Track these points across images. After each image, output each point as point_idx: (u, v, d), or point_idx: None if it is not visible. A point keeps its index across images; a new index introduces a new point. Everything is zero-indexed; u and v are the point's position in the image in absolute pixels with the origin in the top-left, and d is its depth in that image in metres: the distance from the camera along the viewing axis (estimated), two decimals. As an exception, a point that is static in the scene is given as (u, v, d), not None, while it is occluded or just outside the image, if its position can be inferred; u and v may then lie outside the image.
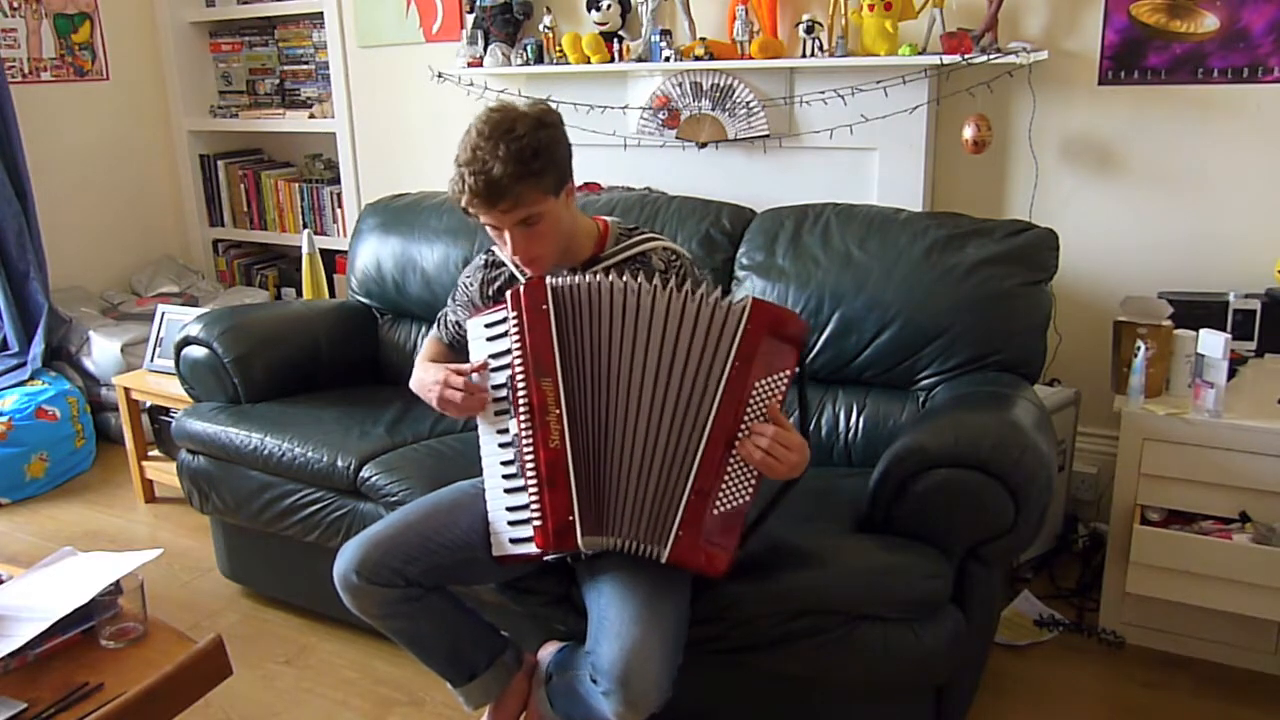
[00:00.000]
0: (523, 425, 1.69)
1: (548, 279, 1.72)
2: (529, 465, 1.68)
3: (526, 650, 1.97)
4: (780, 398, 1.67)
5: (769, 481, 1.70)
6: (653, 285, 1.69)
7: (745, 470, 1.66)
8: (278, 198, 4.27)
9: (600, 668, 1.61)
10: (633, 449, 1.68)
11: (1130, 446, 2.25)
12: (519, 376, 1.70)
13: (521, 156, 1.65)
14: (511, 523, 1.75)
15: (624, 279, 1.70)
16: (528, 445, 1.68)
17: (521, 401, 1.69)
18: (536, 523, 1.68)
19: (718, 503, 1.65)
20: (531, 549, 1.72)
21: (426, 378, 1.86)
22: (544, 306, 1.69)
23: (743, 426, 1.64)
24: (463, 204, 1.71)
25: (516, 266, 1.92)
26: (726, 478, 1.65)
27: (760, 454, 1.63)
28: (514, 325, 1.71)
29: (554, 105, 3.18)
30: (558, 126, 1.73)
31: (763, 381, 1.65)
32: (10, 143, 3.63)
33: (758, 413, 1.65)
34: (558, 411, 1.67)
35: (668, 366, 1.67)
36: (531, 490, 1.68)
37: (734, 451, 1.65)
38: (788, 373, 1.67)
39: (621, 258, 1.86)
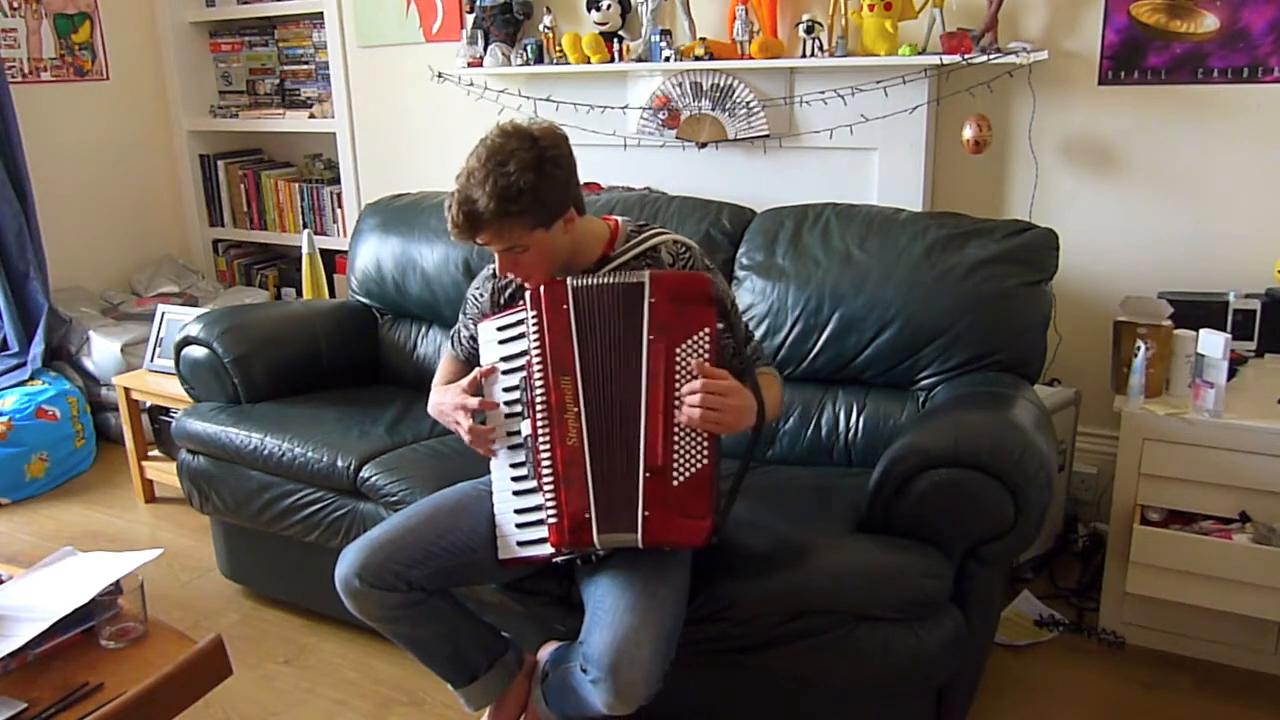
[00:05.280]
0: (539, 424, 1.70)
1: (568, 280, 1.73)
2: (545, 464, 1.69)
3: (527, 651, 1.98)
4: (706, 356, 1.67)
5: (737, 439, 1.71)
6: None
7: (694, 436, 1.67)
8: (278, 198, 4.27)
9: (591, 656, 1.61)
10: (624, 444, 1.68)
11: (1130, 446, 2.25)
12: (537, 376, 1.71)
13: (506, 194, 1.64)
14: (520, 525, 1.76)
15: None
16: (544, 444, 1.69)
17: (539, 401, 1.70)
18: (551, 520, 1.69)
19: (675, 475, 1.66)
20: (540, 550, 1.73)
21: (445, 403, 1.88)
22: (564, 306, 1.71)
23: (677, 395, 1.66)
24: (448, 228, 1.72)
25: None
26: (676, 449, 1.66)
27: (698, 411, 1.63)
28: (533, 325, 1.72)
29: (554, 105, 3.22)
30: (556, 164, 1.69)
31: (683, 346, 1.67)
32: (10, 143, 3.63)
33: (688, 377, 1.66)
34: (576, 410, 1.68)
35: (619, 355, 1.70)
36: (547, 489, 1.69)
37: (675, 421, 1.66)
38: (708, 330, 1.68)
39: (631, 255, 1.87)
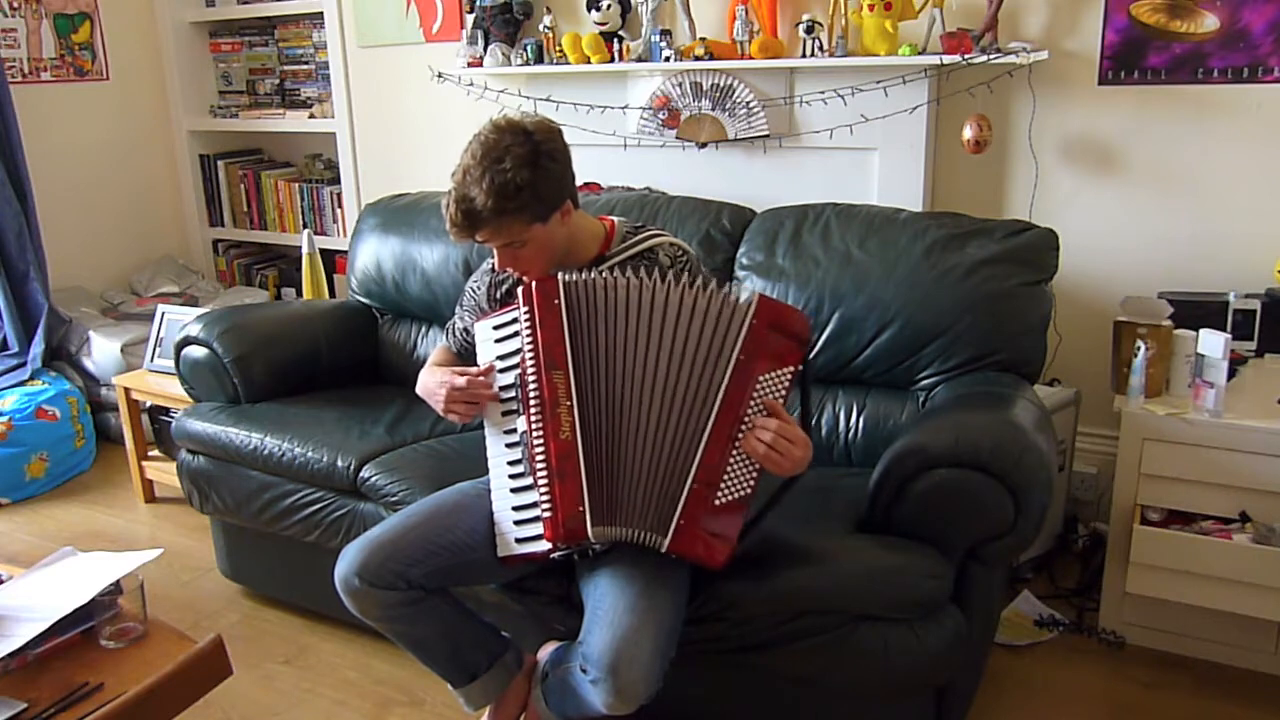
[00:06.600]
0: (533, 419, 1.70)
1: (559, 275, 1.73)
2: (539, 458, 1.69)
3: (527, 651, 1.98)
4: (784, 393, 1.68)
5: (770, 477, 1.71)
6: (666, 281, 1.71)
7: (748, 463, 1.67)
8: (278, 198, 4.27)
9: (590, 656, 1.61)
10: (640, 441, 1.69)
11: (1130, 446, 2.25)
12: (530, 370, 1.71)
13: (504, 191, 1.65)
14: (518, 522, 1.76)
15: (636, 276, 1.72)
16: (538, 438, 1.69)
17: (532, 395, 1.70)
18: (546, 514, 1.69)
19: (720, 495, 1.66)
20: (538, 547, 1.73)
21: (431, 382, 1.88)
22: (555, 301, 1.71)
23: (745, 420, 1.66)
24: (446, 227, 1.73)
25: None
26: (729, 470, 1.66)
27: (764, 448, 1.64)
28: (525, 320, 1.73)
29: (554, 105, 3.22)
30: (551, 158, 1.70)
31: (766, 376, 1.67)
32: (10, 143, 3.63)
33: (760, 407, 1.67)
34: (569, 404, 1.68)
35: (675, 359, 1.69)
36: (541, 483, 1.69)
37: (737, 444, 1.66)
38: (791, 369, 1.69)
39: (629, 254, 1.87)
